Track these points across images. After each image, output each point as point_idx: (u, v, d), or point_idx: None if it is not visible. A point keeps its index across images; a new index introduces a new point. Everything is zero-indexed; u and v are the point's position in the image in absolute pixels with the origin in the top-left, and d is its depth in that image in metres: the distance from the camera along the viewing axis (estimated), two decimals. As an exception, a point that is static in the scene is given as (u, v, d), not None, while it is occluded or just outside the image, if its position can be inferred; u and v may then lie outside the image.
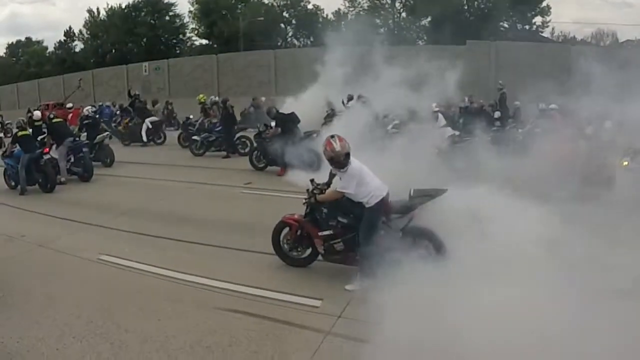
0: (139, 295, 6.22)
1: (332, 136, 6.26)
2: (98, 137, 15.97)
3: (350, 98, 17.94)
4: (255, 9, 55.90)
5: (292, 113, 14.32)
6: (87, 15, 64.29)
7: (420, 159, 8.86)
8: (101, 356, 4.89)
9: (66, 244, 8.38)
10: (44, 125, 14.74)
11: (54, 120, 14.58)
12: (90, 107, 20.15)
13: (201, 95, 21.69)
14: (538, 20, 48.65)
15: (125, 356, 4.91)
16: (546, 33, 48.77)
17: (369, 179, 6.18)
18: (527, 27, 47.87)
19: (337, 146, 6.07)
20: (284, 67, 35.85)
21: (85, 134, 16.03)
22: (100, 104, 28.78)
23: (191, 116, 20.74)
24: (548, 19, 48.47)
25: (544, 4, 47.36)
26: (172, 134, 22.09)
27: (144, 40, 60.24)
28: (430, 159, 8.90)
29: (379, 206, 6.17)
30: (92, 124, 16.81)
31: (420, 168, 8.15)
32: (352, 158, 6.17)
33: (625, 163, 9.50)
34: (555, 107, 15.60)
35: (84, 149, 14.30)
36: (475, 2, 48.30)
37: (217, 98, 21.26)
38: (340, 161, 6.11)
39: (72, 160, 14.03)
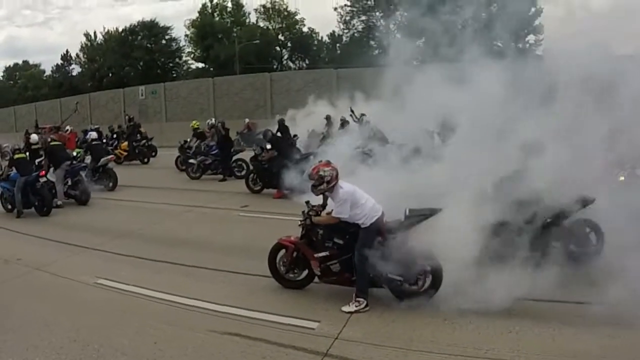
0: (136, 319, 6.21)
1: (320, 161, 6.52)
2: (102, 160, 15.98)
3: (342, 120, 18.00)
4: (250, 33, 56.55)
5: (288, 136, 14.42)
6: (84, 39, 64.95)
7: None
8: (97, 380, 4.89)
9: (63, 267, 8.37)
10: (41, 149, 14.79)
11: (52, 144, 14.63)
12: (92, 131, 20.13)
13: (194, 122, 21.86)
14: (531, 38, 49.19)
15: (121, 380, 4.90)
16: (539, 51, 49.26)
17: (364, 201, 6.24)
18: (520, 45, 48.31)
19: (309, 171, 6.44)
20: (279, 90, 36.12)
21: (90, 156, 16.04)
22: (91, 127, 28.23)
23: (188, 139, 20.79)
24: (541, 37, 49.06)
25: (537, 22, 47.99)
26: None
27: (141, 63, 60.76)
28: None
29: (375, 226, 6.22)
30: (97, 147, 16.83)
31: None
32: (342, 182, 6.33)
33: (622, 178, 9.54)
34: None
35: (82, 172, 14.33)
36: (469, 22, 48.78)
37: (214, 121, 21.35)
38: (313, 185, 6.35)
39: (70, 183, 14.06)
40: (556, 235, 6.94)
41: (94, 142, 16.60)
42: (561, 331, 5.31)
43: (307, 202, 6.91)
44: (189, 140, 20.54)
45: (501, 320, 5.56)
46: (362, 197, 6.28)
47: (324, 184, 6.25)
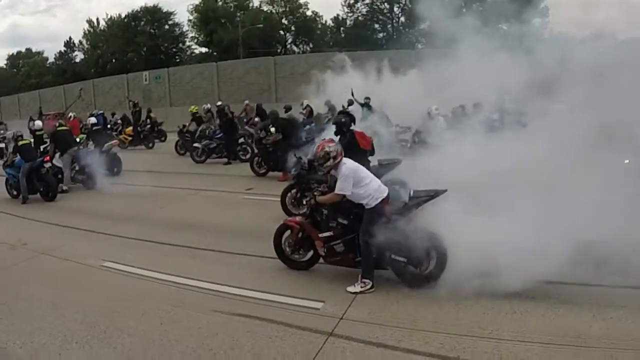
0: (142, 301, 6.24)
1: (323, 139, 6.65)
2: (106, 145, 15.90)
3: (350, 103, 17.88)
4: (254, 17, 56.22)
5: (293, 118, 14.34)
6: (86, 25, 64.82)
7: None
8: (104, 361, 4.92)
9: (69, 251, 8.41)
10: (45, 135, 14.77)
11: (59, 129, 14.59)
12: (92, 116, 20.11)
13: (193, 107, 21.86)
14: (537, 21, 48.75)
15: (128, 360, 4.93)
16: (545, 34, 48.88)
17: (368, 180, 6.23)
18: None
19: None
20: (284, 73, 35.92)
21: (92, 142, 16.00)
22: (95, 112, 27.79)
23: (187, 124, 20.79)
24: (547, 20, 48.62)
25: (542, 5, 47.52)
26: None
27: (144, 49, 60.63)
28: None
29: (379, 208, 6.19)
30: (100, 132, 16.79)
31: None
32: (346, 159, 6.36)
33: (627, 161, 9.46)
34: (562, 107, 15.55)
35: (88, 157, 14.32)
36: (474, 5, 48.38)
37: (209, 106, 21.41)
38: (320, 164, 6.42)
39: (77, 168, 14.09)
40: None
41: (94, 128, 16.54)
42: (565, 312, 5.31)
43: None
44: (187, 124, 20.57)
45: (506, 301, 5.56)
46: (367, 176, 6.27)
47: (330, 159, 6.26)
